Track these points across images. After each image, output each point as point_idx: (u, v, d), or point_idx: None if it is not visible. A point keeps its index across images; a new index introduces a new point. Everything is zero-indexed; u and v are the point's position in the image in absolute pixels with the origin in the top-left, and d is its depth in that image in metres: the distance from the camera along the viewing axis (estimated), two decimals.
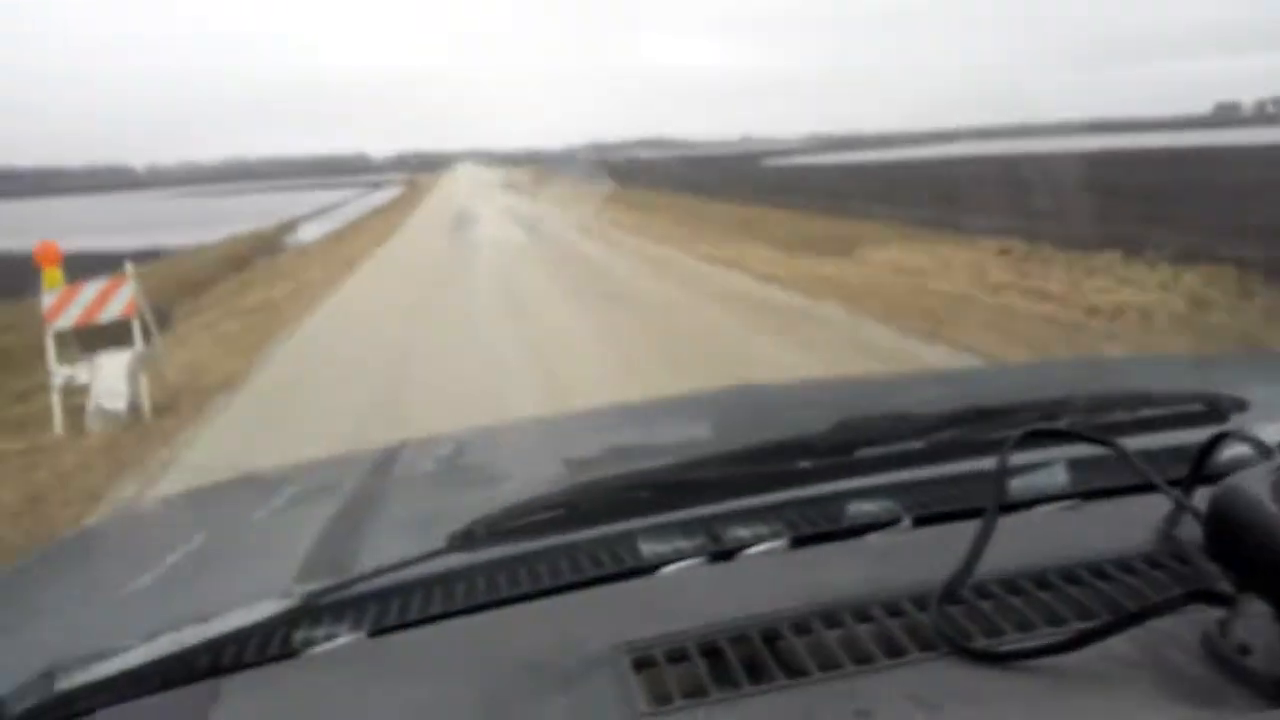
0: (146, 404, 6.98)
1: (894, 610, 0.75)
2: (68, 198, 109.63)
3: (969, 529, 0.80)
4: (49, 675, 0.79)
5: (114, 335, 7.18)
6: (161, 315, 8.41)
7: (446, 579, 0.92)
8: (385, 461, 1.60)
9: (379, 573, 0.89)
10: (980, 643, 0.70)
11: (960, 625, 0.72)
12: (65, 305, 7.09)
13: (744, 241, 16.45)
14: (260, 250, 23.88)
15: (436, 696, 0.73)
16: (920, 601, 0.76)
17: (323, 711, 0.74)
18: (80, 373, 6.92)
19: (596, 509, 0.98)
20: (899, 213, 18.70)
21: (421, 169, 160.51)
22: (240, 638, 0.83)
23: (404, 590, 0.91)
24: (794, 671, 0.69)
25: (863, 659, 0.70)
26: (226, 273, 17.68)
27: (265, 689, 0.78)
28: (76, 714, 0.76)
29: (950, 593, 0.76)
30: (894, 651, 0.70)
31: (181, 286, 15.35)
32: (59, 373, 6.93)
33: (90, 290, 7.19)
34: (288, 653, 0.83)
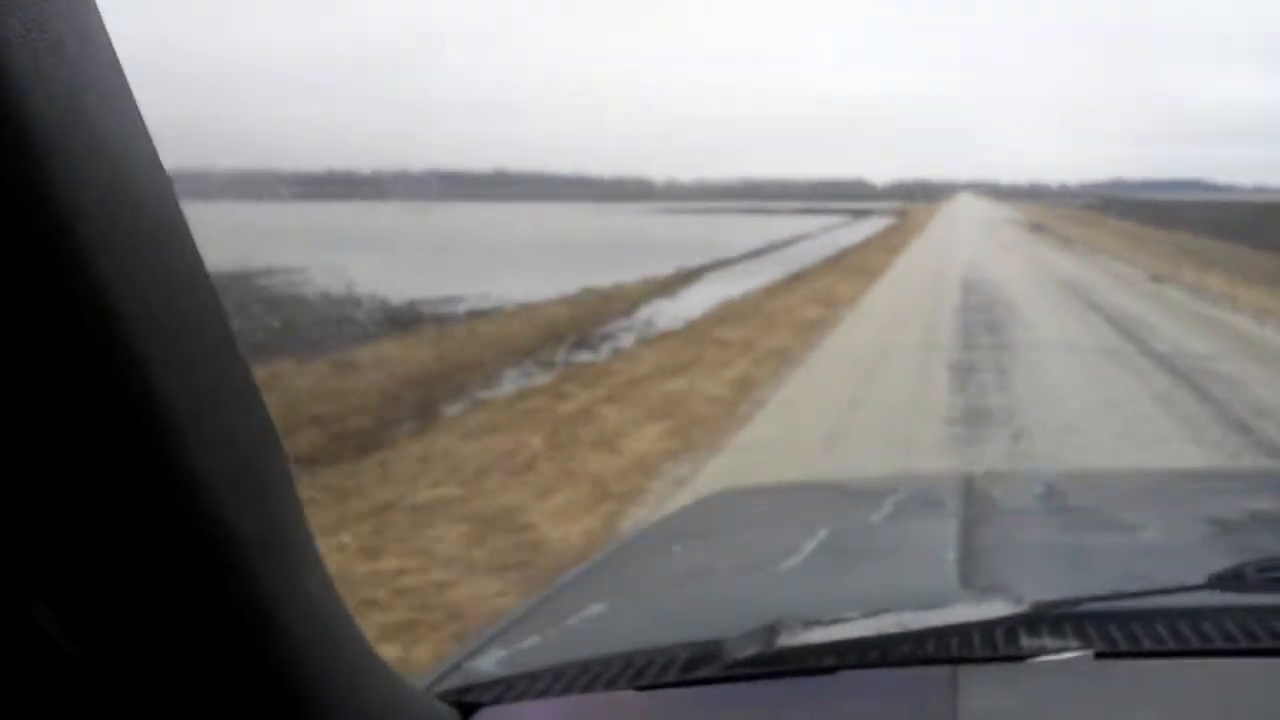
0: None
1: None
2: (592, 203, 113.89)
3: None
4: (773, 630, 0.81)
5: None
6: None
7: (1195, 615, 0.87)
8: (973, 488, 1.53)
9: (1116, 596, 0.88)
10: None
11: None
12: None
13: None
14: (582, 328, 12.84)
15: None
16: None
17: None
18: None
19: None
20: None
21: (919, 197, 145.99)
22: (966, 631, 0.84)
23: (1142, 617, 0.87)
24: None
25: None
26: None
27: (998, 687, 0.79)
28: (795, 671, 0.81)
29: None
30: None
31: None
32: None
33: None
34: (1015, 655, 0.83)
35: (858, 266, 20.86)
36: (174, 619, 0.50)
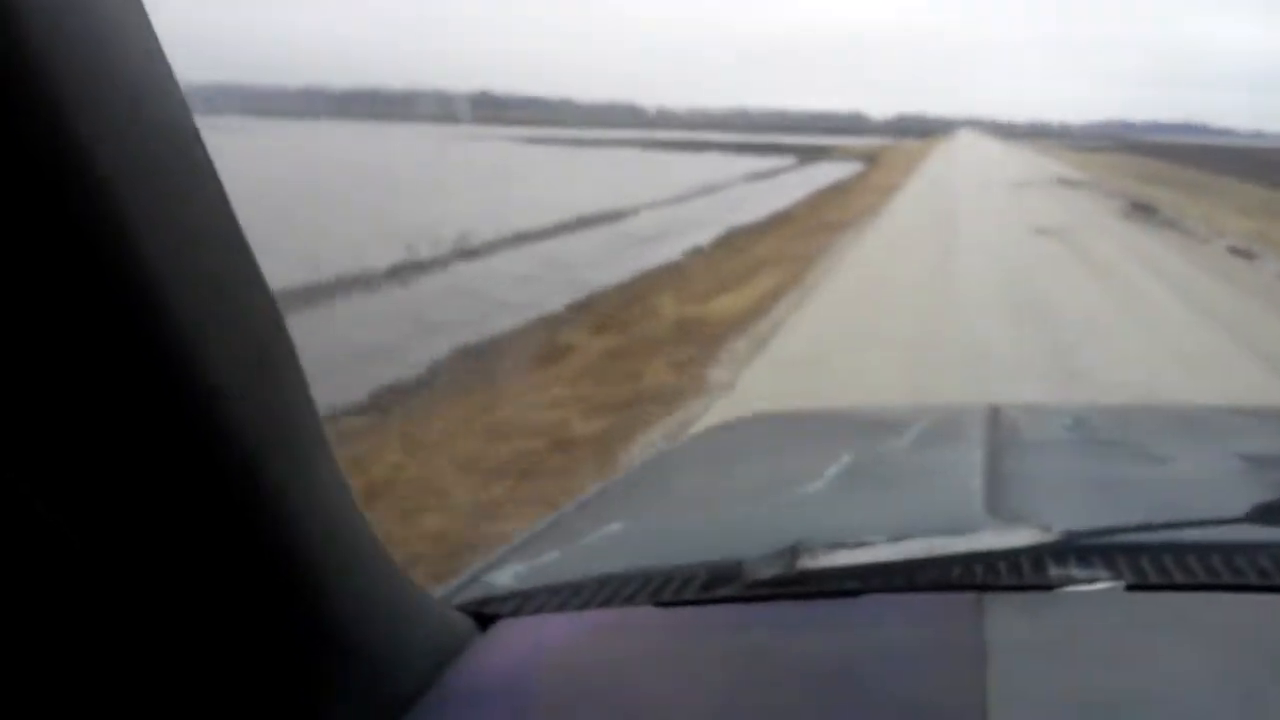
0: None
1: None
2: (578, 129, 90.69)
3: None
4: (795, 551, 0.79)
5: None
6: None
7: (1228, 549, 0.83)
8: (999, 419, 1.40)
9: (1146, 527, 0.84)
10: None
11: None
12: None
13: None
14: None
15: (1200, 664, 0.68)
16: None
17: (1080, 652, 0.72)
18: None
19: None
20: None
21: (914, 132, 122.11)
22: (992, 559, 0.81)
23: (1173, 550, 0.83)
24: None
25: None
26: None
27: (1024, 616, 0.76)
28: (817, 593, 0.78)
29: None
30: None
31: None
32: None
33: None
34: (1042, 585, 0.80)
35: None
36: (177, 510, 0.48)
